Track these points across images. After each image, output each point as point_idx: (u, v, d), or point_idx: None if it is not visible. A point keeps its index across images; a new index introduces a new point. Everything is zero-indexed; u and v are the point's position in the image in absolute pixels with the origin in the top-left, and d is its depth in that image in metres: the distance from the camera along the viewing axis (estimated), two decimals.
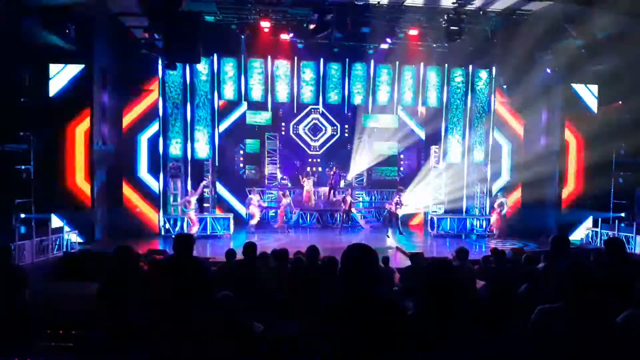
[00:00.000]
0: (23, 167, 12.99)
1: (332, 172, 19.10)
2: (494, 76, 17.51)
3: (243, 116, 19.00)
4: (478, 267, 8.09)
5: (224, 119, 18.32)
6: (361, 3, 13.87)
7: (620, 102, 15.91)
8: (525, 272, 6.11)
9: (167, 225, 15.67)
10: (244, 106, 18.55)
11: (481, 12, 14.53)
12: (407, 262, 9.67)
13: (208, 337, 4.10)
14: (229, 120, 18.71)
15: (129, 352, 4.35)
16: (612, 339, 2.90)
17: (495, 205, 17.00)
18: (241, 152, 19.94)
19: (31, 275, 6.02)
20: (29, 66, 13.52)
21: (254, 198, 16.92)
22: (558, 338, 2.93)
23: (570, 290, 2.96)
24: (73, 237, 13.54)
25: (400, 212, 16.26)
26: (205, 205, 16.75)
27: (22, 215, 12.79)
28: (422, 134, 19.73)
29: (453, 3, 13.71)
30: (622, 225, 14.72)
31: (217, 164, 17.12)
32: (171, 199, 16.23)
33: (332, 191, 19.03)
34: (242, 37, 16.10)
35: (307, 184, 18.67)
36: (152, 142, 16.41)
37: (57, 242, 12.82)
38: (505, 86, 17.46)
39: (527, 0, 13.73)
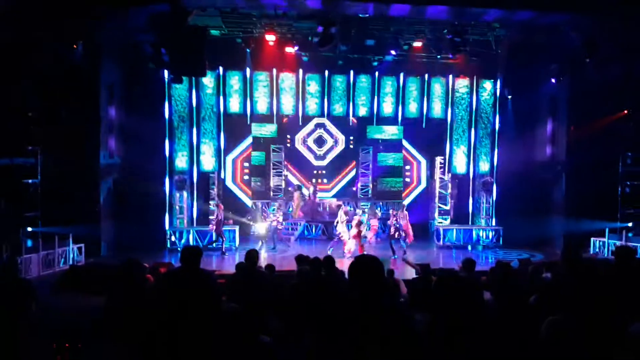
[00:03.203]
0: (31, 181, 13.05)
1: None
2: (498, 86, 17.53)
3: None
4: (485, 279, 8.03)
5: None
6: (365, 15, 13.98)
7: (625, 111, 15.83)
8: (532, 284, 6.08)
9: (173, 238, 15.63)
10: None
11: (484, 23, 14.55)
12: (412, 275, 9.60)
13: (214, 349, 4.08)
14: None
15: None
16: (623, 349, 2.87)
17: (354, 225, 14.15)
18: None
19: (38, 288, 6.03)
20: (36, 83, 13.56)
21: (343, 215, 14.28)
22: (568, 349, 2.90)
23: (579, 301, 2.94)
24: (79, 250, 13.56)
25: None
26: (210, 217, 16.75)
27: (29, 229, 12.83)
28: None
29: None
30: (630, 235, 14.58)
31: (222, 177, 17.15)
32: (177, 211, 16.25)
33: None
34: (248, 50, 16.25)
35: (297, 196, 18.30)
36: None
37: (64, 256, 12.85)
38: (510, 96, 17.43)
39: (515, 11, 13.45)
